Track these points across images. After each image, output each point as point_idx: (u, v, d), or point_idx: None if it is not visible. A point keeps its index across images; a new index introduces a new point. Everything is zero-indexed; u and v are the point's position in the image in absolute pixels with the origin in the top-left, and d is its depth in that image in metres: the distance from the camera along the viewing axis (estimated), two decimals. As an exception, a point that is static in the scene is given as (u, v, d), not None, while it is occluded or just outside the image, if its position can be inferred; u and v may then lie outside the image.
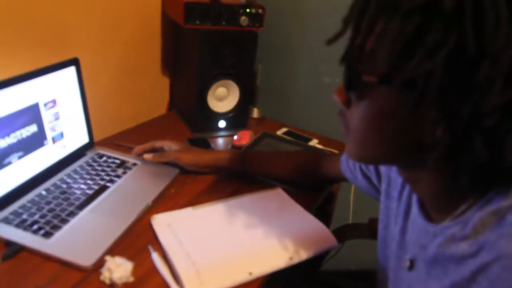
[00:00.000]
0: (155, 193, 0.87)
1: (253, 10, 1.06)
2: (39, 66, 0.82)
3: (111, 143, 1.06)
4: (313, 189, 0.97)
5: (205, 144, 1.12)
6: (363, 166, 0.76)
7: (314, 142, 1.21)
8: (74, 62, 0.91)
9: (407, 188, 0.60)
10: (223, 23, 1.05)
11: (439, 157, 0.42)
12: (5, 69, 0.83)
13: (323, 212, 1.09)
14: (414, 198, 0.56)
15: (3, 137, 0.75)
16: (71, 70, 0.90)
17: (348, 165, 0.81)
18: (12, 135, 0.77)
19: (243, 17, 1.05)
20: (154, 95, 1.33)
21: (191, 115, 1.20)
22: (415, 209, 0.56)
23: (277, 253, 0.74)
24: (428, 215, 0.53)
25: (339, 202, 1.24)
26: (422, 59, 0.37)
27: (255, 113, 1.33)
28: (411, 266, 0.56)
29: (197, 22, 1.03)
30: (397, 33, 0.38)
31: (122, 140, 1.08)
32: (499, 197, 0.43)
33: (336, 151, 1.16)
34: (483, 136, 0.39)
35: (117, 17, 1.07)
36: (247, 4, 1.05)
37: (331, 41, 0.44)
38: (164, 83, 1.34)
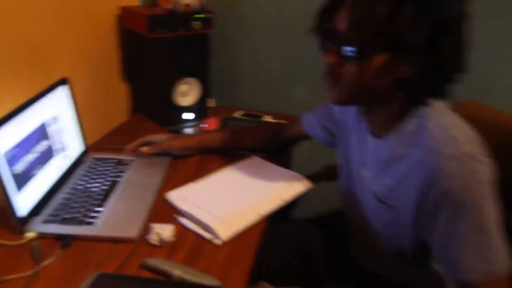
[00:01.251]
0: (160, 176, 1.05)
1: (204, 15, 1.25)
2: (29, 88, 0.94)
3: (101, 147, 1.20)
4: (281, 151, 1.22)
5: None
6: (322, 120, 1.02)
7: (268, 118, 1.45)
8: (64, 81, 1.03)
9: (360, 124, 0.87)
10: (180, 29, 1.24)
11: (399, 94, 0.69)
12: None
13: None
14: (365, 127, 0.84)
15: (25, 155, 0.87)
16: (64, 88, 1.03)
17: (309, 123, 1.07)
18: (30, 152, 0.89)
19: (196, 22, 1.25)
20: (118, 102, 1.46)
21: (159, 113, 1.37)
22: (367, 134, 0.83)
23: (272, 196, 0.98)
24: (378, 135, 0.80)
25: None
26: (401, 29, 0.63)
27: (213, 102, 1.54)
28: (370, 175, 0.83)
29: (159, 31, 1.20)
30: (381, 17, 0.63)
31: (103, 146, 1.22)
32: (422, 110, 0.71)
33: (286, 122, 1.42)
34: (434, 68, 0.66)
35: (82, 37, 1.20)
36: (199, 11, 1.24)
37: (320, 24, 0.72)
38: (125, 90, 1.47)
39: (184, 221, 0.90)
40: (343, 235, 1.03)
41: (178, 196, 0.98)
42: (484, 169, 0.67)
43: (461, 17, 0.66)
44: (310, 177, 1.13)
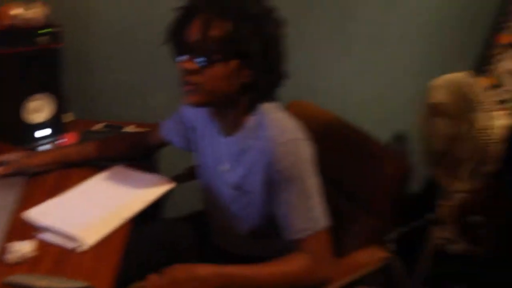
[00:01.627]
0: (12, 197, 1.03)
1: (51, 30, 1.25)
2: None
3: None
4: (145, 158, 1.28)
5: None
6: (178, 126, 1.14)
7: (130, 128, 1.50)
8: None
9: (210, 127, 1.00)
10: (24, 44, 1.21)
11: (245, 96, 0.87)
12: None
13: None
14: (216, 129, 0.98)
15: None
16: None
17: (167, 130, 1.17)
18: None
19: (41, 37, 1.23)
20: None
21: (10, 132, 1.30)
22: (218, 135, 0.98)
23: (135, 199, 1.05)
24: (228, 134, 0.96)
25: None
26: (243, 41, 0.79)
27: (70, 117, 1.51)
28: (227, 169, 0.97)
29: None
30: (228, 31, 0.79)
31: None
32: (260, 109, 0.89)
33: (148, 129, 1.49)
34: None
35: None
36: (43, 25, 1.23)
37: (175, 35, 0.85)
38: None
39: (45, 235, 0.91)
40: (208, 227, 1.16)
41: (37, 213, 0.97)
42: (306, 150, 0.88)
43: (281, 36, 0.86)
44: (176, 178, 1.23)
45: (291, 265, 0.87)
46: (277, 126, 0.89)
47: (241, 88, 0.87)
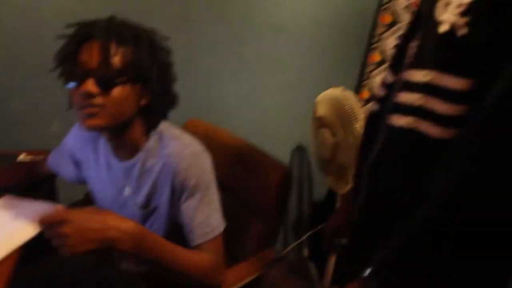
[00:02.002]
0: None
1: None
2: None
3: None
4: (40, 186, 1.25)
5: None
6: (66, 157, 1.14)
7: (25, 157, 1.44)
8: None
9: (103, 155, 1.03)
10: None
11: (142, 119, 0.92)
12: None
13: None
14: (110, 156, 1.01)
15: None
16: None
17: (54, 161, 1.17)
18: None
19: None
20: None
21: None
22: (114, 161, 1.01)
23: (24, 228, 1.02)
24: (127, 158, 0.99)
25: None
26: (143, 67, 0.85)
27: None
28: (131, 191, 1.01)
29: None
30: (129, 56, 0.84)
31: None
32: (158, 129, 0.96)
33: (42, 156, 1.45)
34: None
35: None
36: None
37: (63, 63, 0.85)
38: None
39: None
40: (109, 252, 1.16)
41: None
42: (206, 161, 0.97)
43: (171, 63, 0.94)
44: (75, 204, 1.22)
45: (202, 257, 0.93)
46: (177, 141, 0.96)
47: (139, 110, 0.92)
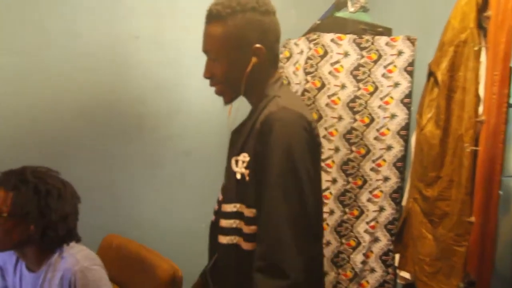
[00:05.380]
0: None
1: None
2: None
3: None
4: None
5: None
6: None
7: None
8: None
9: (20, 263, 1.29)
10: None
11: (32, 244, 1.24)
12: None
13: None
14: (23, 266, 1.29)
15: None
16: None
17: None
18: None
19: None
20: None
21: None
22: (25, 271, 1.28)
23: None
24: (34, 270, 1.27)
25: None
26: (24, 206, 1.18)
27: None
28: None
29: None
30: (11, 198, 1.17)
31: None
32: (60, 248, 1.27)
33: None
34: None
35: None
36: None
37: None
38: None
39: None
40: None
41: None
42: (95, 274, 1.23)
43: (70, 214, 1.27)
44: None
45: None
46: (72, 258, 1.21)
47: (28, 239, 1.18)
